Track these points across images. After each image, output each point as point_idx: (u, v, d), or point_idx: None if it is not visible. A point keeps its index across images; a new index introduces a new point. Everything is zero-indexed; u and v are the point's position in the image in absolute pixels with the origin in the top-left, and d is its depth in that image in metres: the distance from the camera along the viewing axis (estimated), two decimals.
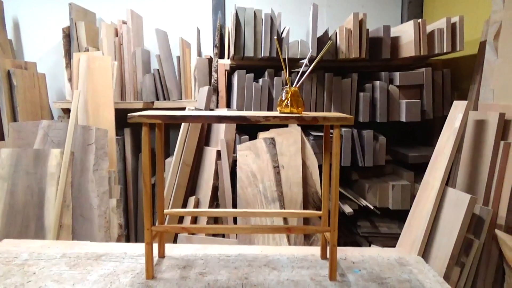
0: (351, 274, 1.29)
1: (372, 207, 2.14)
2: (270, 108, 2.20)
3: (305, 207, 2.14)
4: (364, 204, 2.18)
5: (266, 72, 2.21)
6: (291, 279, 1.25)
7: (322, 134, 2.23)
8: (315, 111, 2.25)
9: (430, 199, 1.76)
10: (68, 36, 2.72)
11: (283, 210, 1.42)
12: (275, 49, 2.10)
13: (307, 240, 2.12)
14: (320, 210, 2.22)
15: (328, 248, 1.39)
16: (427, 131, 2.51)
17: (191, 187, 2.31)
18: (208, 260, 1.39)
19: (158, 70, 2.69)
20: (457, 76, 2.39)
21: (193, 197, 2.22)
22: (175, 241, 2.19)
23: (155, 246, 1.41)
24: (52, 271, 1.30)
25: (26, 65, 2.70)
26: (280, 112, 1.25)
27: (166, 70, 2.69)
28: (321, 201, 2.21)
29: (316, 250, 1.47)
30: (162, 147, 1.36)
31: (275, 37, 1.74)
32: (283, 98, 1.24)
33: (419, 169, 2.22)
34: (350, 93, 2.19)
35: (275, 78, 2.18)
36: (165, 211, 1.39)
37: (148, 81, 2.59)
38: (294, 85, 1.27)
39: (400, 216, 2.31)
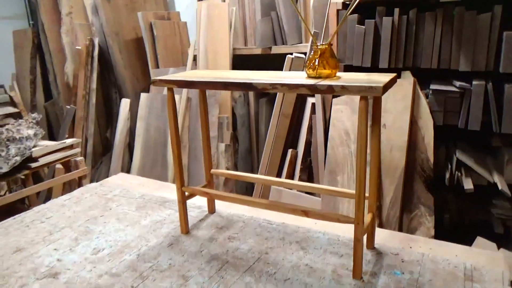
0: (386, 275, 1.06)
1: (500, 187, 1.64)
2: (374, 60, 1.83)
3: (409, 176, 1.81)
4: (494, 181, 1.69)
5: (376, 11, 1.84)
6: (311, 265, 1.11)
7: (445, 88, 1.76)
8: (438, 60, 1.78)
9: None
10: None
11: (317, 185, 1.24)
12: None
13: (408, 213, 1.82)
14: (430, 181, 1.84)
15: (373, 236, 1.17)
16: None
17: (292, 139, 2.24)
18: (248, 224, 1.36)
19: (276, 12, 2.57)
20: None
21: (291, 150, 2.16)
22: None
23: (205, 202, 1.46)
24: (123, 210, 1.52)
25: (169, 15, 2.99)
26: (308, 76, 1.04)
27: (285, 11, 2.55)
28: (432, 170, 1.82)
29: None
30: (205, 107, 1.34)
31: None
32: (310, 57, 1.02)
33: None
34: (488, 33, 1.62)
35: (383, 18, 1.79)
36: (212, 171, 1.40)
37: (261, 25, 2.51)
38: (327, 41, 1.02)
39: None
